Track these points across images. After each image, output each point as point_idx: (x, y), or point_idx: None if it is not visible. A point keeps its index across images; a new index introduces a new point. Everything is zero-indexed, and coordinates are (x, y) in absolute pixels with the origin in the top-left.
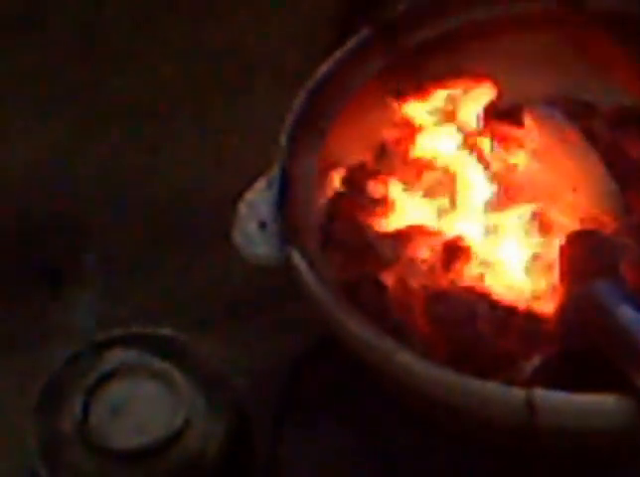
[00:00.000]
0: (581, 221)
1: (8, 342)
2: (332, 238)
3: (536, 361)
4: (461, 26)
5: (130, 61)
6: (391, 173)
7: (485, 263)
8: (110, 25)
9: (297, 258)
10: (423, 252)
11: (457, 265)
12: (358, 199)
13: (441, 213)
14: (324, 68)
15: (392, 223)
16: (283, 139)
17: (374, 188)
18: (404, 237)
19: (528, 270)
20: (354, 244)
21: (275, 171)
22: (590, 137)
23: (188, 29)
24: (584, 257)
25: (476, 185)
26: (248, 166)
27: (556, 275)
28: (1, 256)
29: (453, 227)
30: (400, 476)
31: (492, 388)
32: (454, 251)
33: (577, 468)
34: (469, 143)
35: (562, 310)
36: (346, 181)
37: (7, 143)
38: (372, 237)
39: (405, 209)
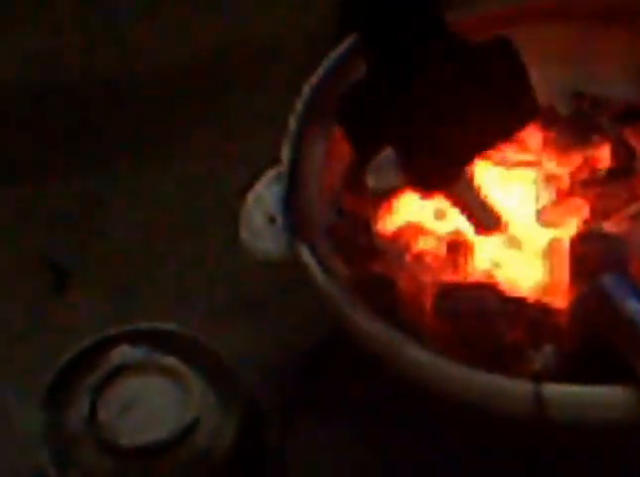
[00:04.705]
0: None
1: (13, 340)
2: (339, 233)
3: (545, 354)
4: (462, 20)
5: (133, 52)
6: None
7: (493, 257)
8: (113, 16)
9: (306, 254)
10: (431, 248)
11: (463, 260)
12: (364, 194)
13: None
14: (330, 61)
15: (399, 218)
16: (291, 132)
17: None
18: (412, 232)
19: (537, 263)
20: (361, 241)
21: (283, 165)
22: (598, 132)
23: (194, 18)
24: (593, 255)
25: (484, 181)
26: (256, 160)
27: (565, 268)
28: (3, 253)
29: (459, 220)
30: (410, 474)
31: (501, 381)
32: (458, 246)
33: (586, 460)
34: None
35: (572, 305)
36: (353, 175)
37: None
38: (379, 232)
39: (413, 204)
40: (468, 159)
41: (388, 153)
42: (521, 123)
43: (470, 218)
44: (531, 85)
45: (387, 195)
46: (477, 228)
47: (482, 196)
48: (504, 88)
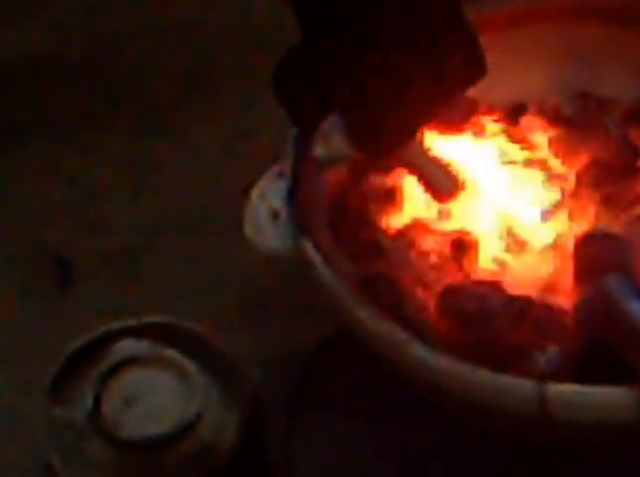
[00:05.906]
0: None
1: (17, 334)
2: (343, 230)
3: (549, 354)
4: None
5: (133, 42)
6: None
7: (498, 256)
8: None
9: (310, 251)
10: (436, 246)
11: (467, 259)
12: (368, 191)
13: (453, 205)
14: None
15: (403, 216)
16: (295, 127)
17: (385, 180)
18: (417, 230)
19: (541, 263)
20: (365, 238)
21: (287, 160)
22: (603, 132)
23: (199, 15)
24: (598, 256)
25: (486, 179)
26: (260, 154)
27: (569, 268)
28: (7, 248)
29: (463, 220)
30: (414, 472)
31: (504, 380)
32: (462, 245)
33: (587, 460)
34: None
35: (576, 306)
36: (357, 172)
37: None
38: (383, 229)
39: (417, 202)
40: (418, 121)
41: (335, 120)
42: (470, 80)
43: (427, 185)
44: (476, 40)
45: (337, 164)
46: (435, 195)
47: (437, 160)
48: (449, 46)
